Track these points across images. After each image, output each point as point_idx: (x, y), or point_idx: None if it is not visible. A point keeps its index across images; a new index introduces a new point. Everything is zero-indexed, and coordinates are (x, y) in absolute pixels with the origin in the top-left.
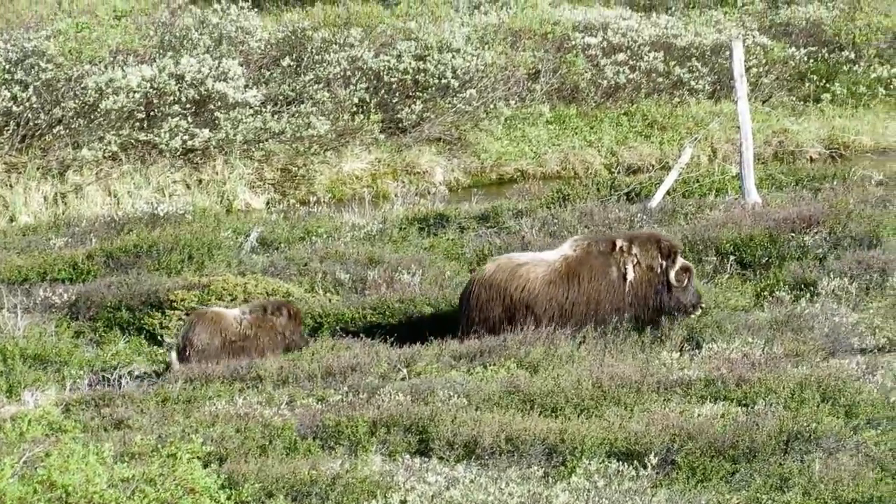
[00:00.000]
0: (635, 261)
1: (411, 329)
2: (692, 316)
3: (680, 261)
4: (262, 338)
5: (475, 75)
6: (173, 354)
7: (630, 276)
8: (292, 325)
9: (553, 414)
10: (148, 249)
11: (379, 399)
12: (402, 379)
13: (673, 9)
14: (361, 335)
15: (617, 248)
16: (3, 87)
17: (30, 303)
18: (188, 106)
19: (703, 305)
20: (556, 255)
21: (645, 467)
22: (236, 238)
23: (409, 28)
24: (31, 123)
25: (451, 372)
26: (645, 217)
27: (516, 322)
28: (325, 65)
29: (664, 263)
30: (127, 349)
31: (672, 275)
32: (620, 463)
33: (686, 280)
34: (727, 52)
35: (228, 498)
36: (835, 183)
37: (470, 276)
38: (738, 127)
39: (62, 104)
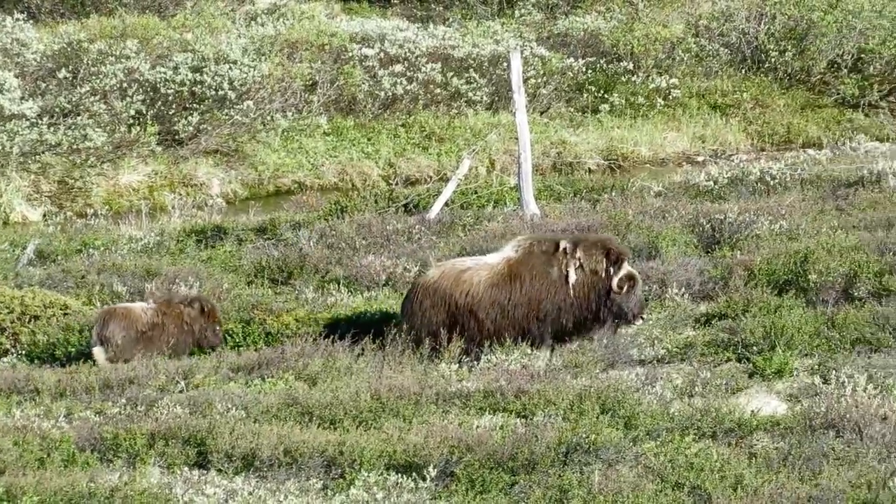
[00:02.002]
0: (578, 264)
1: None
2: (634, 325)
3: (625, 268)
4: (170, 326)
5: (252, 87)
6: (97, 350)
7: (571, 278)
8: (203, 320)
9: (332, 426)
10: None
11: (157, 411)
12: (181, 391)
13: (450, 20)
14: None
15: (560, 249)
16: None
17: None
18: None
19: (645, 316)
20: (498, 258)
21: (424, 479)
22: (13, 251)
23: (185, 40)
24: None
25: (229, 384)
26: (423, 229)
27: (460, 327)
28: (101, 77)
29: (610, 269)
30: None
31: (615, 281)
32: (399, 475)
33: (628, 287)
34: (505, 63)
35: None
36: (613, 194)
37: (413, 283)
38: (517, 138)
39: None
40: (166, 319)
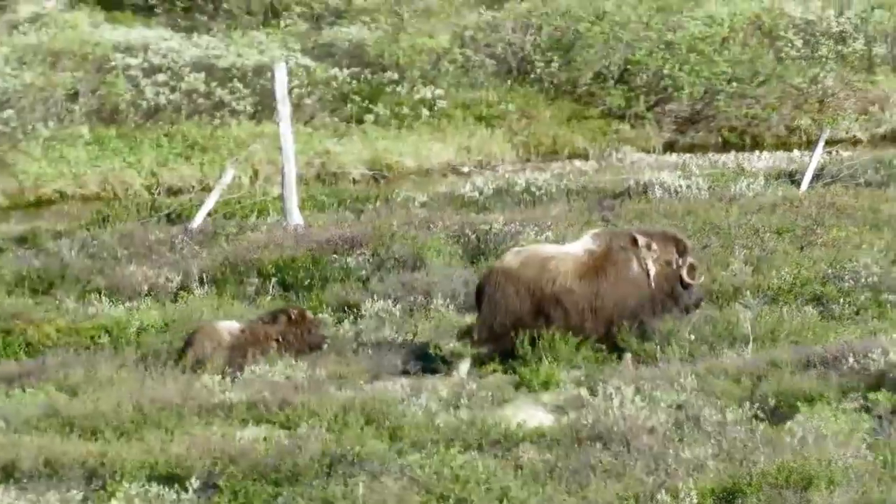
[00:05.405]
0: (655, 256)
1: None
2: (691, 314)
3: (689, 258)
4: (256, 348)
5: (13, 96)
6: None
7: (652, 271)
8: (295, 329)
9: (93, 437)
10: None
11: None
12: None
13: (215, 30)
14: None
15: (640, 244)
16: None
17: None
18: None
19: (702, 306)
20: (579, 249)
21: (186, 491)
22: None
23: None
24: None
25: None
26: (186, 239)
27: (544, 316)
28: None
29: (679, 260)
30: None
31: (684, 271)
32: (162, 486)
33: (694, 277)
34: (270, 74)
35: None
36: (378, 204)
37: (488, 269)
38: (281, 148)
39: None
40: (254, 340)
